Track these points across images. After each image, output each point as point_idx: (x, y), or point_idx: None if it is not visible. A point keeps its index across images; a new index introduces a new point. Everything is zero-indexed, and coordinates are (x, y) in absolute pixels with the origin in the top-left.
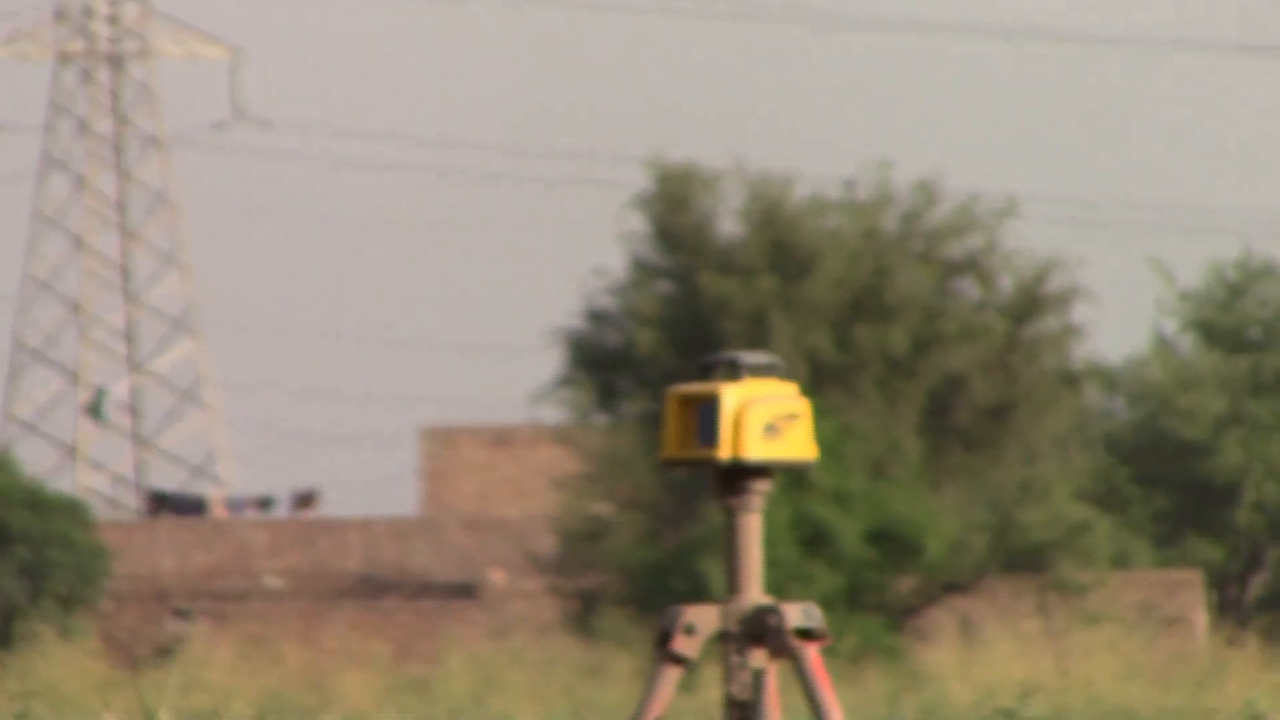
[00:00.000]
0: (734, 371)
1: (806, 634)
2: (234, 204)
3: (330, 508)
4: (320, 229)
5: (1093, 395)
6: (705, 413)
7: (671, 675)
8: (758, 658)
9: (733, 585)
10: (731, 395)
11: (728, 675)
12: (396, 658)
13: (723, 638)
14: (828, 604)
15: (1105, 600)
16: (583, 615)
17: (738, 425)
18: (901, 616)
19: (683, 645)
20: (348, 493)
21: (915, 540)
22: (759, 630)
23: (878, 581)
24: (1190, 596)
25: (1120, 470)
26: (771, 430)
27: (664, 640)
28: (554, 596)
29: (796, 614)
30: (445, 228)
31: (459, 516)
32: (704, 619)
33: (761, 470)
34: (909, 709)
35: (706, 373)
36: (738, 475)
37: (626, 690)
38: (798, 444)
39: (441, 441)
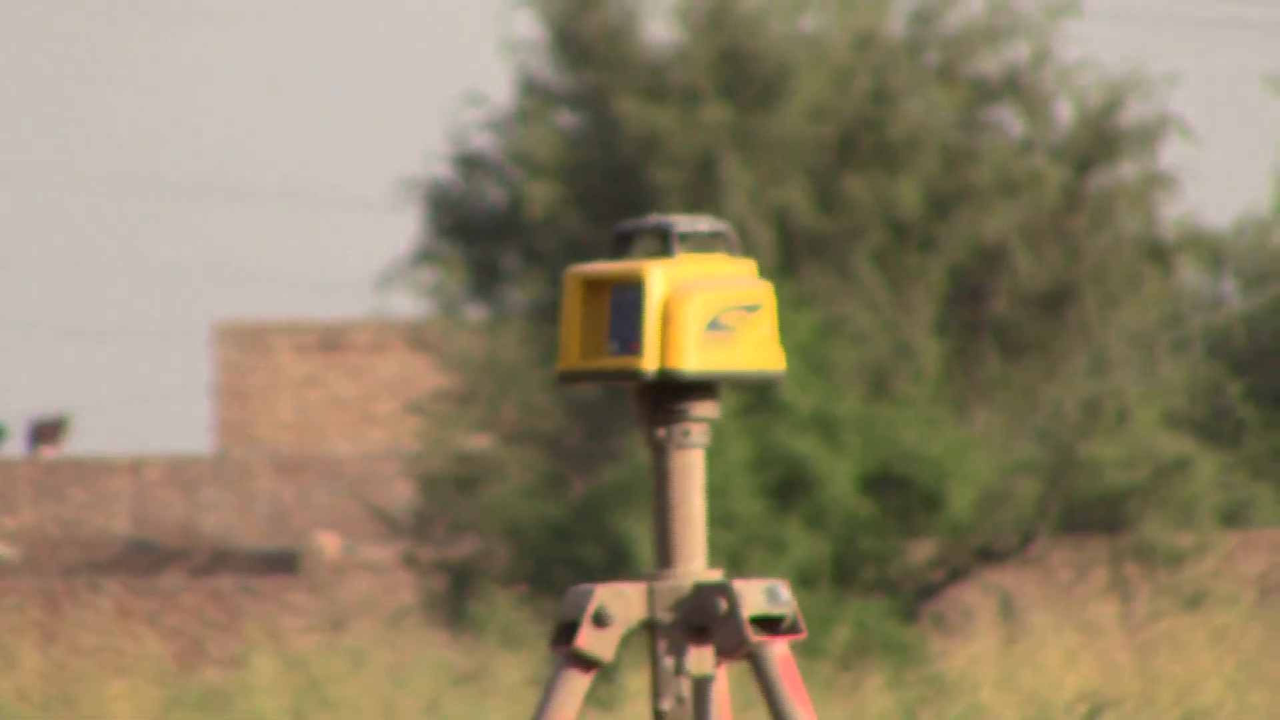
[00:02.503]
0: (665, 243)
1: (772, 624)
2: None
3: (85, 442)
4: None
5: (1191, 275)
6: (622, 304)
7: (577, 684)
8: (700, 659)
9: (664, 554)
10: (660, 278)
11: (656, 685)
12: (182, 659)
13: (650, 630)
14: (805, 580)
15: (1211, 572)
16: (452, 598)
17: (669, 322)
18: (915, 598)
19: (592, 641)
20: (110, 421)
21: (934, 488)
22: (702, 619)
23: (880, 548)
24: None
25: (1232, 384)
26: (719, 329)
27: (566, 634)
28: (410, 571)
29: (757, 595)
30: (263, 23)
31: (271, 455)
32: (623, 604)
33: (705, 387)
34: None
35: (624, 245)
36: (670, 395)
37: (514, 705)
38: (758, 349)
39: (245, 344)
